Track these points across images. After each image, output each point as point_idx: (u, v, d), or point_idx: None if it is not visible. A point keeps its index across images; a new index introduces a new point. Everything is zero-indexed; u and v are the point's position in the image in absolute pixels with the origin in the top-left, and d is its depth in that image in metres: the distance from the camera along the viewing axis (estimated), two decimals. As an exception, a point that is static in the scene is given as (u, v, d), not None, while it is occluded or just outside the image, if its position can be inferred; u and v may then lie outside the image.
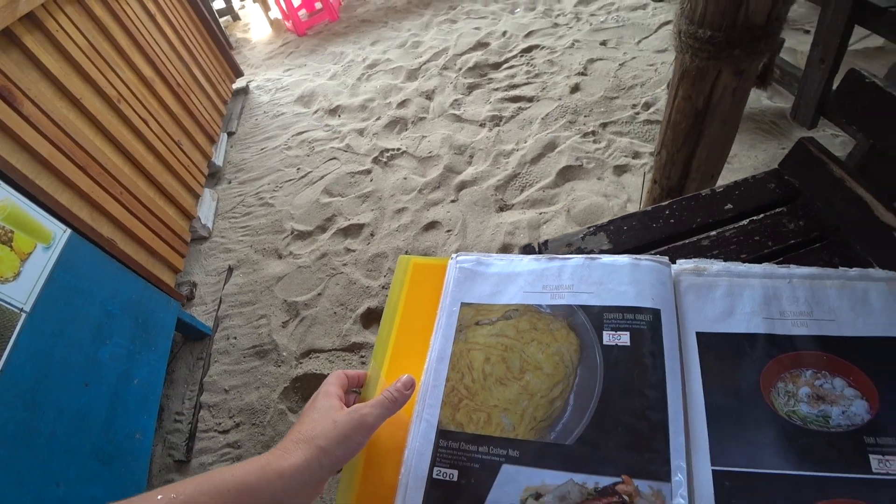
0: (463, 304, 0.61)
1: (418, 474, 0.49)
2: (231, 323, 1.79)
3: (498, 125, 2.15)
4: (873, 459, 0.44)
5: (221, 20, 4.12)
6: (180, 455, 1.47)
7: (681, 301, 0.56)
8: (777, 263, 0.59)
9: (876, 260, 0.60)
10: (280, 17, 4.03)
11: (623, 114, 1.98)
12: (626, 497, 0.44)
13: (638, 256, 0.58)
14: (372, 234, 1.89)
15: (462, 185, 1.92)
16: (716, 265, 0.58)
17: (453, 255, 0.65)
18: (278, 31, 3.97)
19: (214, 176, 2.45)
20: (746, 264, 0.58)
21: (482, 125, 2.18)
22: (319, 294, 1.76)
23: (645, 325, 0.53)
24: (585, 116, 2.02)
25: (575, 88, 2.18)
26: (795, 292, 0.55)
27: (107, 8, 1.95)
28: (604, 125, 1.94)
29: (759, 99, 1.90)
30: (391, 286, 0.65)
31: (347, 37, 3.43)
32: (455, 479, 0.48)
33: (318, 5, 3.86)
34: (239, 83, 3.05)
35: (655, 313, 0.53)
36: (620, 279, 0.57)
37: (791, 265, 0.57)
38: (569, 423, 0.50)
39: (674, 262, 0.59)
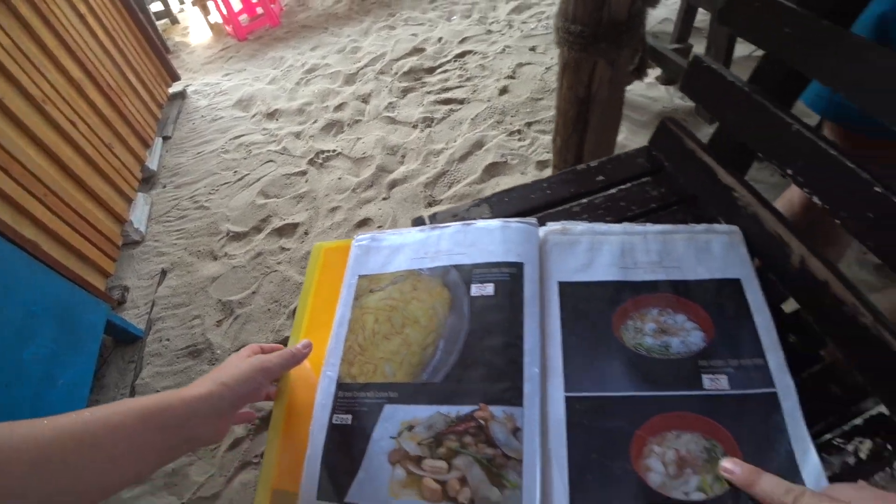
0: (360, 277, 0.68)
1: (322, 422, 0.55)
2: (164, 325, 1.78)
3: (430, 126, 2.23)
4: (705, 378, 0.53)
5: (159, 23, 4.05)
6: (109, 457, 1.46)
7: (546, 256, 0.64)
8: (634, 222, 0.67)
9: (721, 217, 0.70)
10: (220, 21, 4.00)
11: (547, 113, 2.09)
12: (481, 421, 0.51)
13: (508, 220, 0.65)
14: (306, 233, 1.92)
15: (394, 184, 1.98)
16: (580, 226, 0.66)
17: (355, 237, 0.72)
18: (218, 36, 3.94)
19: (149, 180, 2.42)
20: (608, 224, 0.66)
21: (415, 126, 2.26)
22: (254, 292, 1.77)
23: (509, 276, 0.60)
24: (512, 116, 2.12)
25: (503, 91, 2.29)
26: (649, 245, 0.64)
27: (33, 8, 1.92)
28: (529, 124, 2.05)
29: (671, 99, 2.05)
30: (307, 271, 0.71)
31: (288, 42, 3.45)
32: (349, 422, 0.55)
33: (260, 10, 3.85)
34: (176, 87, 3.02)
35: (519, 266, 0.61)
36: (491, 240, 0.64)
37: (647, 224, 0.66)
38: (438, 364, 0.56)
39: (544, 226, 0.67)
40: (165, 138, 2.67)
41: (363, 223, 1.86)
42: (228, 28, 3.84)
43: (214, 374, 0.50)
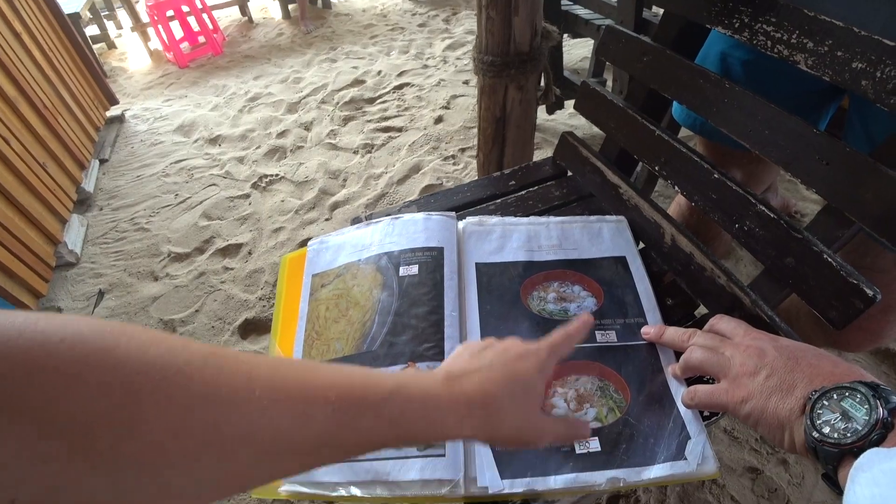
0: (313, 276, 0.77)
1: None
2: (101, 346, 1.76)
3: (370, 152, 2.35)
4: (598, 334, 0.66)
5: (95, 47, 4.00)
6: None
7: (464, 242, 0.76)
8: (540, 217, 0.81)
9: (611, 209, 0.84)
10: (160, 48, 4.00)
11: (479, 141, 2.28)
12: None
13: (430, 213, 0.77)
14: (250, 253, 1.97)
15: (336, 205, 2.08)
16: (494, 219, 0.79)
17: (309, 243, 0.82)
18: (158, 62, 3.93)
19: (84, 202, 2.39)
20: (518, 217, 0.80)
21: (355, 152, 2.38)
22: (197, 311, 1.79)
23: (431, 259, 0.71)
24: (447, 143, 2.29)
25: (439, 120, 2.46)
26: (550, 232, 0.78)
27: (-34, 26, 1.91)
28: (462, 150, 2.22)
29: (590, 126, 2.27)
30: (278, 280, 0.80)
31: (230, 71, 3.50)
32: None
33: (202, 39, 3.89)
34: (114, 111, 3.00)
35: (440, 250, 0.72)
36: (416, 230, 0.75)
37: (550, 216, 0.79)
38: (374, 334, 0.66)
39: (463, 219, 0.79)
40: (102, 161, 2.65)
41: (306, 242, 1.93)
42: (169, 55, 3.84)
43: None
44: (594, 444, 0.55)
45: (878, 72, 0.54)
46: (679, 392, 0.59)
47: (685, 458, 0.53)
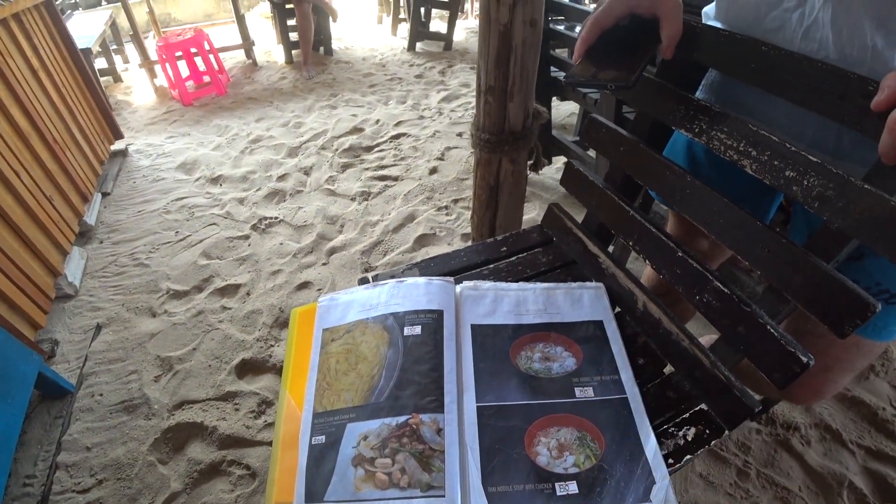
0: (324, 330, 0.86)
1: (304, 444, 0.71)
2: (97, 380, 1.79)
3: (367, 200, 2.47)
4: (577, 390, 0.75)
5: (102, 80, 4.12)
6: (30, 520, 1.43)
7: (461, 305, 0.85)
8: (528, 281, 0.91)
9: (591, 276, 0.95)
10: (166, 85, 4.14)
11: (471, 192, 2.39)
12: (414, 426, 0.70)
13: (431, 278, 0.87)
14: (248, 294, 2.04)
15: (333, 251, 2.17)
16: (487, 284, 0.89)
17: (319, 300, 0.91)
18: (162, 98, 4.06)
19: (85, 235, 2.45)
20: (508, 283, 0.90)
21: (353, 199, 2.49)
22: (194, 349, 1.84)
23: (432, 320, 0.81)
24: (440, 194, 2.42)
25: (433, 171, 2.59)
26: (537, 297, 0.88)
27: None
28: (455, 201, 2.35)
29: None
30: (288, 331, 0.88)
31: (233, 112, 3.64)
32: (323, 441, 0.71)
33: (207, 79, 4.03)
34: (118, 145, 3.09)
35: (440, 313, 0.82)
36: (418, 293, 0.85)
37: (536, 282, 0.90)
38: (381, 387, 0.75)
39: (460, 283, 0.89)
40: (105, 194, 2.72)
41: (303, 286, 2.02)
42: (174, 92, 3.98)
43: None
44: (573, 487, 0.64)
45: (804, 180, 0.67)
46: (652, 448, 0.68)
47: (650, 501, 0.62)
